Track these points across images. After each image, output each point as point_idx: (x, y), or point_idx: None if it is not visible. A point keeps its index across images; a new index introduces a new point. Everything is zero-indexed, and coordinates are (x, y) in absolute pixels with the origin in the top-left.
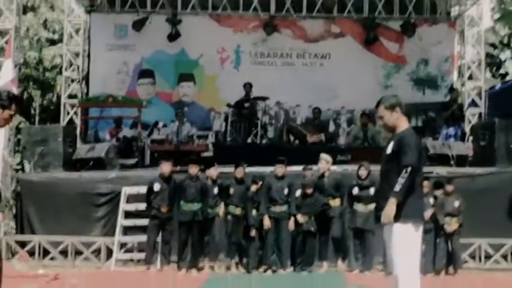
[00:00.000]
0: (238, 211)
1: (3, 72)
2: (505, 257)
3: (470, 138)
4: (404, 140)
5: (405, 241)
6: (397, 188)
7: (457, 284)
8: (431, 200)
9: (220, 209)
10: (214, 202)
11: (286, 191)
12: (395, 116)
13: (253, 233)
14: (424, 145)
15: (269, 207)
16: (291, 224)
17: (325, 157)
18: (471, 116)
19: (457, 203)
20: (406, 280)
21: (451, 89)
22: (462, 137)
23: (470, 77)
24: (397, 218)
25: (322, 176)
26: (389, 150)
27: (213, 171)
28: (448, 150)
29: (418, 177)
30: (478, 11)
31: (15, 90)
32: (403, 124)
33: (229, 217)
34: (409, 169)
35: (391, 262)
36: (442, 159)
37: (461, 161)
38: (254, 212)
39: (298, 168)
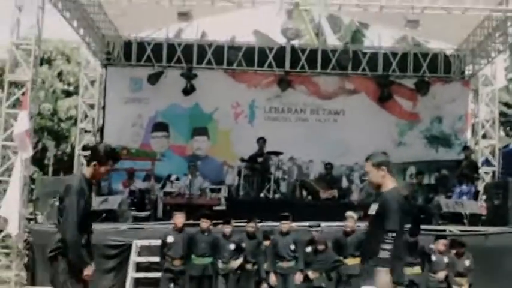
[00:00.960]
0: (249, 266)
1: (18, 123)
2: None
3: (484, 197)
4: (387, 204)
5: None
6: (386, 254)
7: None
8: (446, 259)
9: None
10: (228, 258)
11: (292, 246)
12: (381, 174)
13: (265, 286)
14: (438, 203)
15: (276, 263)
16: (297, 278)
17: (352, 215)
18: (485, 175)
19: (467, 262)
20: None
21: (465, 147)
22: (475, 196)
23: (484, 136)
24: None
25: (346, 234)
26: (372, 211)
27: (228, 228)
28: (461, 208)
29: (398, 239)
30: (492, 70)
31: (28, 142)
32: (388, 183)
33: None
34: (393, 234)
35: None
36: (455, 218)
37: (474, 219)
38: (264, 266)
39: (308, 224)
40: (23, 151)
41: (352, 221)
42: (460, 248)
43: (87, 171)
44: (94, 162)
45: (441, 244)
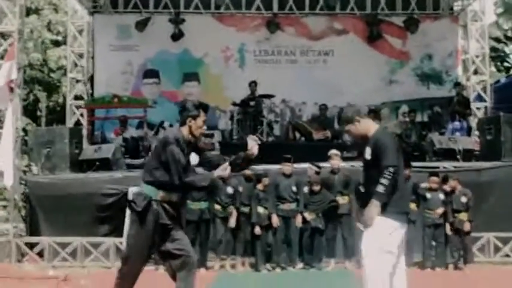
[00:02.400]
0: (246, 209)
1: (1, 75)
2: None
3: (476, 132)
4: (380, 142)
5: (380, 236)
6: (381, 189)
7: (467, 278)
8: (442, 196)
9: (233, 211)
10: (226, 202)
11: (294, 188)
12: (358, 125)
13: (257, 230)
14: (430, 140)
15: (277, 205)
16: (298, 221)
17: (336, 153)
18: (477, 110)
19: (464, 199)
20: (373, 273)
21: (456, 84)
22: (468, 132)
23: (475, 72)
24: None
25: (333, 172)
26: (367, 156)
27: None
28: (454, 144)
29: (399, 176)
30: (480, 5)
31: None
32: (370, 127)
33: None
34: (391, 169)
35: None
36: (448, 154)
37: (467, 155)
38: (261, 209)
39: (304, 165)
40: (0, 104)
41: (337, 159)
42: (451, 183)
43: (184, 130)
44: (189, 119)
45: (432, 181)
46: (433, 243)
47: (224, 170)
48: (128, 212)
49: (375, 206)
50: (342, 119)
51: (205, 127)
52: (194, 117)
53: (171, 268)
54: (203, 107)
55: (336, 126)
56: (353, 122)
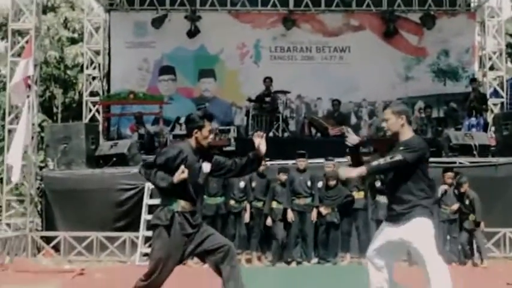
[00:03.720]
0: (260, 204)
1: (18, 71)
2: None
3: (493, 128)
4: (412, 142)
5: (428, 233)
6: (375, 163)
7: (482, 273)
8: (456, 192)
9: (247, 205)
10: (240, 196)
11: (309, 183)
12: (400, 123)
13: (269, 221)
14: (447, 136)
15: (292, 200)
16: (314, 216)
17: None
18: (493, 106)
19: (467, 202)
20: (439, 269)
21: (473, 80)
22: (484, 127)
23: (491, 68)
24: (415, 216)
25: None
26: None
27: None
28: (470, 140)
29: (425, 179)
30: (497, 1)
31: (24, 90)
32: (408, 132)
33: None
34: (399, 159)
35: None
36: (464, 150)
37: (483, 151)
38: (275, 204)
39: (320, 160)
40: (17, 99)
41: None
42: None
43: (192, 142)
44: (195, 130)
45: (447, 177)
46: (448, 237)
47: (181, 173)
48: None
49: (358, 171)
50: (391, 104)
51: (211, 136)
52: (199, 128)
53: (214, 264)
54: (207, 116)
55: (353, 121)
56: (399, 116)
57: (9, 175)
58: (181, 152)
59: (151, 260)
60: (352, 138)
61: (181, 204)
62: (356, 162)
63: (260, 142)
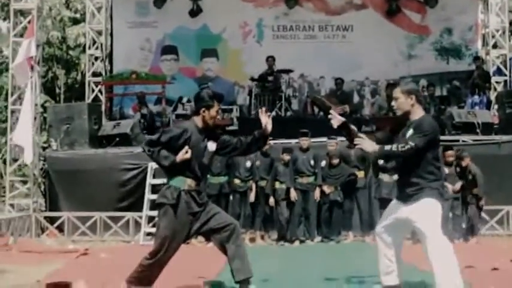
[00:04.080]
0: (264, 183)
1: (20, 52)
2: None
3: (496, 106)
4: (423, 124)
5: (433, 213)
6: (387, 148)
7: (485, 250)
8: (458, 170)
9: (253, 185)
10: (246, 176)
11: (312, 162)
12: (410, 102)
13: (271, 201)
14: (450, 114)
15: (295, 179)
16: (317, 194)
17: (353, 127)
18: (496, 84)
19: (470, 177)
20: (441, 248)
21: (476, 58)
22: (488, 105)
23: (494, 46)
24: (423, 197)
25: (349, 146)
26: (407, 137)
27: None
28: (473, 118)
29: (435, 162)
30: None
31: (27, 70)
32: (418, 111)
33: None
34: (411, 146)
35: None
36: (467, 128)
37: (487, 128)
38: (278, 184)
39: (323, 139)
40: (21, 80)
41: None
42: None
43: (198, 120)
44: (202, 109)
45: (448, 156)
46: (450, 215)
47: (184, 153)
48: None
49: (373, 149)
50: (401, 83)
51: (219, 117)
52: (208, 108)
53: (219, 242)
54: (217, 97)
55: (356, 100)
56: (409, 95)
57: (14, 156)
58: (185, 132)
59: (157, 238)
60: (336, 121)
61: (187, 183)
62: (350, 140)
63: (267, 121)
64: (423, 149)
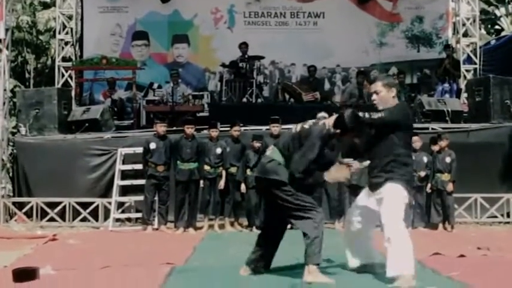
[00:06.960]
0: (233, 169)
1: None
2: (500, 210)
3: (465, 94)
4: (396, 107)
5: (397, 198)
6: (360, 114)
7: (453, 238)
8: (425, 159)
9: (223, 172)
10: (216, 162)
11: None
12: (391, 95)
13: (243, 187)
14: (420, 101)
15: None
16: None
17: (325, 115)
18: (466, 72)
19: (448, 159)
20: (397, 231)
21: (446, 46)
22: (457, 93)
23: (465, 34)
24: (390, 182)
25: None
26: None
27: (215, 132)
28: (443, 106)
29: (402, 148)
30: None
31: None
32: (390, 100)
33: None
34: (380, 116)
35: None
36: (437, 115)
37: (456, 116)
38: (249, 172)
39: (293, 126)
40: None
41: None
42: (441, 143)
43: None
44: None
45: (413, 141)
46: (413, 202)
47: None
48: None
49: (347, 112)
50: (381, 77)
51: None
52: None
53: None
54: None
55: (327, 87)
56: (390, 89)
57: None
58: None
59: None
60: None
61: None
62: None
63: None
64: (389, 127)
